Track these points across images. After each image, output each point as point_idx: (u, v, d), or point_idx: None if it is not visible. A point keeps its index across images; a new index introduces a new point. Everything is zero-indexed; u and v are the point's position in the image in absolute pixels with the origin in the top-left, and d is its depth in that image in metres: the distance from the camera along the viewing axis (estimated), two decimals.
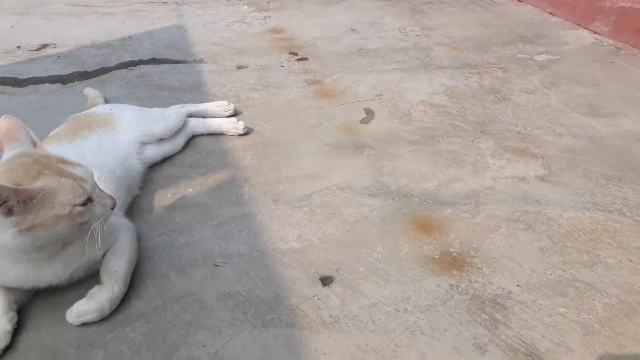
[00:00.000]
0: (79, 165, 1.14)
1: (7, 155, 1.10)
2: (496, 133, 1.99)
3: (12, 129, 1.12)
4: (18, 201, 0.99)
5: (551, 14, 3.37)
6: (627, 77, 2.46)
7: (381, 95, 2.29)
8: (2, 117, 1.13)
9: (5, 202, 0.98)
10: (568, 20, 3.23)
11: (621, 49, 2.78)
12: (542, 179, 1.71)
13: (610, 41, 2.88)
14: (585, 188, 1.66)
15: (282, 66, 2.58)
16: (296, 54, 2.73)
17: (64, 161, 1.12)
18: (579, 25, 3.14)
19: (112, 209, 1.16)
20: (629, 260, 1.36)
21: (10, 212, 1.00)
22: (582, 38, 2.96)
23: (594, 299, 1.24)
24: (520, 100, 2.24)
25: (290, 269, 1.34)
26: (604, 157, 1.83)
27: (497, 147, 1.90)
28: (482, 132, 2.00)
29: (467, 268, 1.34)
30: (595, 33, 3.01)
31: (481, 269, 1.34)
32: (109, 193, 1.36)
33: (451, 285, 1.29)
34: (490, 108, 2.18)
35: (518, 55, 2.72)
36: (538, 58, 2.69)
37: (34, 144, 1.13)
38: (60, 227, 1.06)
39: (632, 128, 2.01)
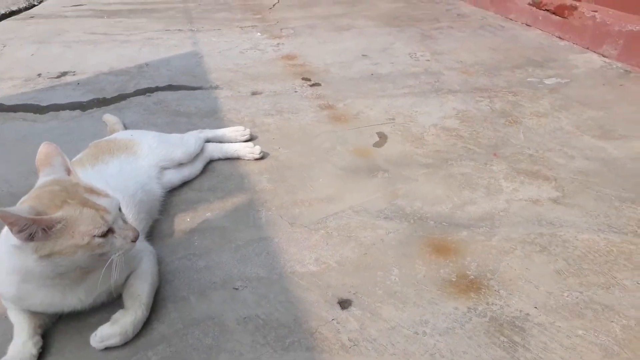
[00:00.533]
0: (106, 195, 1.15)
1: (40, 181, 1.13)
2: (509, 156, 2.01)
3: (50, 156, 1.16)
4: (40, 228, 1.02)
5: (560, 38, 3.42)
6: (637, 99, 2.48)
7: (393, 119, 2.33)
8: (42, 144, 1.17)
9: (25, 229, 1.01)
10: (577, 44, 3.27)
11: (630, 71, 2.81)
12: (555, 201, 1.73)
13: (619, 64, 2.91)
14: (599, 210, 1.67)
15: (295, 92, 2.64)
16: (309, 80, 2.79)
17: (92, 190, 1.14)
18: (587, 48, 3.18)
19: (134, 241, 1.16)
20: None
21: (31, 238, 1.03)
22: (591, 61, 2.99)
23: (612, 321, 1.25)
24: (531, 124, 2.27)
25: (308, 292, 1.36)
26: (617, 179, 1.84)
27: (510, 169, 1.92)
28: (494, 155, 2.02)
29: (484, 290, 1.35)
30: (604, 56, 3.04)
31: (498, 292, 1.35)
32: (130, 217, 1.40)
33: (469, 307, 1.30)
34: (502, 131, 2.21)
35: (528, 79, 2.76)
36: (548, 82, 2.72)
37: (69, 171, 1.16)
38: (79, 257, 1.08)
39: None
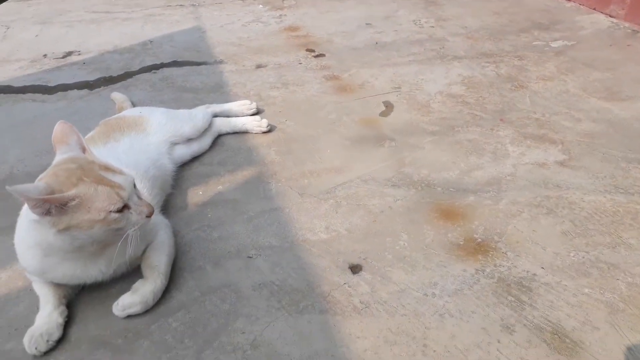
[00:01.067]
0: (121, 172, 1.19)
1: (57, 158, 1.17)
2: (515, 120, 2.02)
3: (66, 134, 1.19)
4: (53, 205, 1.06)
5: None
6: None
7: (399, 87, 2.33)
8: (58, 122, 1.20)
9: (39, 205, 1.04)
10: (583, 5, 3.22)
11: (638, 31, 2.78)
12: (562, 164, 1.74)
13: (627, 24, 2.87)
14: (605, 171, 1.68)
15: (300, 63, 2.64)
16: (313, 51, 2.78)
17: (107, 168, 1.17)
18: (594, 9, 3.13)
19: (149, 217, 1.19)
20: None
21: (47, 213, 1.07)
22: (598, 22, 2.95)
23: (618, 279, 1.28)
24: (537, 88, 2.26)
25: (320, 258, 1.40)
26: (623, 140, 1.85)
27: (517, 134, 1.93)
28: (501, 120, 2.03)
29: (491, 253, 1.39)
30: (611, 17, 3.00)
31: (505, 253, 1.38)
32: (144, 192, 1.43)
33: (477, 269, 1.33)
34: (508, 96, 2.21)
35: (534, 43, 2.74)
36: (554, 44, 2.70)
37: (84, 150, 1.19)
38: (95, 231, 1.11)
39: None
